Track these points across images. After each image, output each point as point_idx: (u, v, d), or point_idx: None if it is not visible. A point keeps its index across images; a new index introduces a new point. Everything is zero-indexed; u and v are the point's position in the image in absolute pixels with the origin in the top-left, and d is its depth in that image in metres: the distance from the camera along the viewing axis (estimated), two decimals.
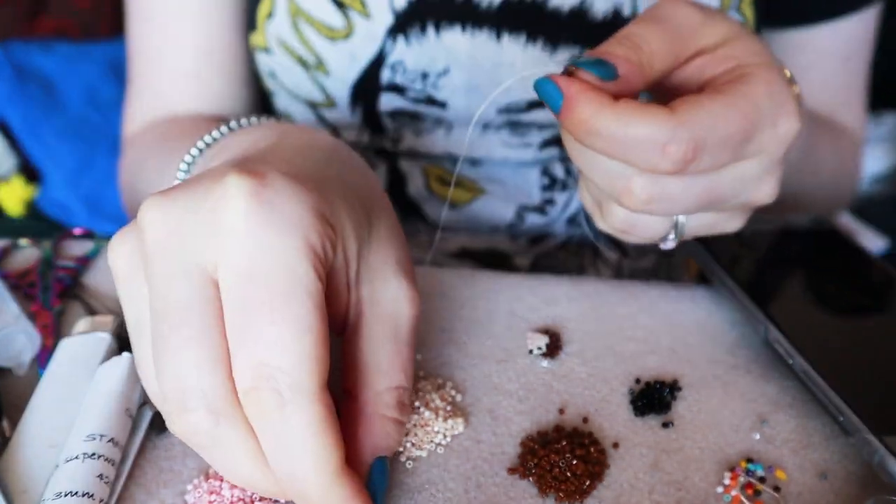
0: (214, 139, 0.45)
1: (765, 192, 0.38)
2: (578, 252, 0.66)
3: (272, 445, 0.31)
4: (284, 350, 0.30)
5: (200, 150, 0.45)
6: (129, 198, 0.65)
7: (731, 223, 0.41)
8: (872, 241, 1.26)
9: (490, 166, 0.62)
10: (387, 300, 0.36)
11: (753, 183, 0.37)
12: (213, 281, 0.31)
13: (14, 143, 1.48)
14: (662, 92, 0.39)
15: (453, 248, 0.65)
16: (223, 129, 0.45)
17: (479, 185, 0.63)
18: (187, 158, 0.45)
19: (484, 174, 0.63)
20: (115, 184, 1.63)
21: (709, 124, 0.34)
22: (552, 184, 0.63)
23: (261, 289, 0.30)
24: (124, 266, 0.33)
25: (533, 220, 0.64)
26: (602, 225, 0.41)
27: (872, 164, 1.44)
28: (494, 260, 0.65)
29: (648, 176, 0.35)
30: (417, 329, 0.38)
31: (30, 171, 1.50)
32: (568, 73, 0.36)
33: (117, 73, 1.57)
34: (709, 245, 0.51)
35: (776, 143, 0.37)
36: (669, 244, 0.41)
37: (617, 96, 0.34)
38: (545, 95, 0.35)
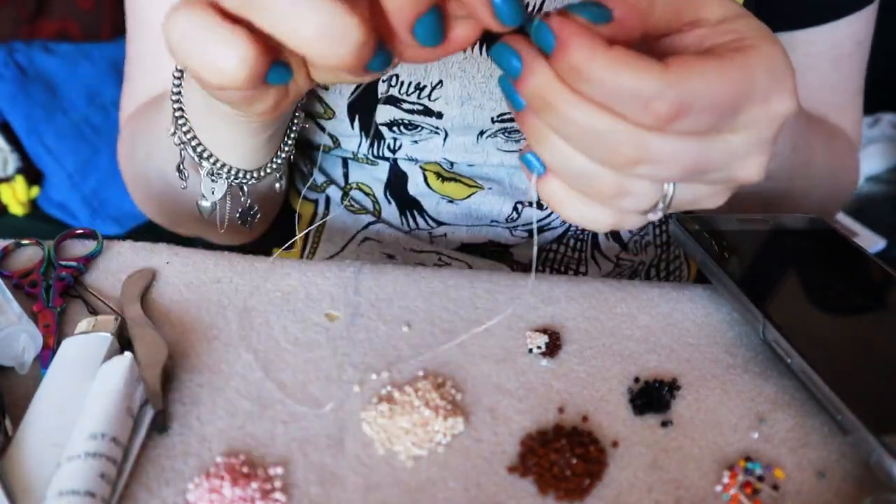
0: None
1: (751, 169, 0.37)
2: (577, 246, 0.67)
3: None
4: None
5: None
6: (129, 168, 0.66)
7: (714, 199, 0.40)
8: (870, 241, 1.26)
9: (486, 168, 0.64)
10: None
11: (740, 158, 0.37)
12: None
13: (16, 143, 1.48)
14: (658, 55, 0.37)
15: (454, 244, 0.66)
16: None
17: (477, 183, 0.64)
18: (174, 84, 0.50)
19: (480, 174, 0.64)
20: (117, 184, 1.63)
21: (699, 87, 0.33)
22: None
23: None
24: None
25: (530, 213, 0.65)
26: (589, 212, 0.38)
27: (870, 164, 1.44)
28: (494, 252, 0.66)
29: (636, 134, 0.34)
30: None
31: (32, 172, 1.50)
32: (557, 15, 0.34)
33: (119, 75, 1.57)
34: (708, 244, 0.51)
35: (767, 121, 0.36)
36: (658, 214, 0.39)
37: (611, 41, 0.33)
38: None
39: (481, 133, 0.61)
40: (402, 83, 0.58)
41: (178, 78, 0.50)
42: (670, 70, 0.33)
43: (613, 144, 0.34)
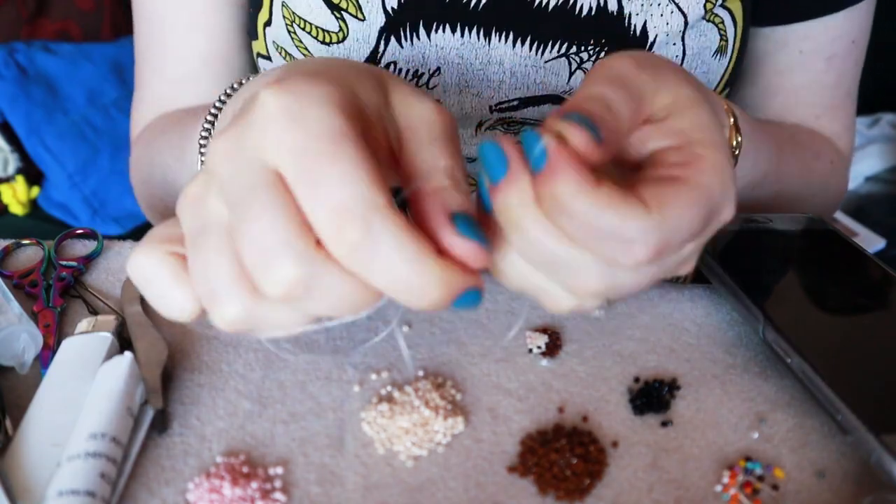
0: (228, 95, 0.46)
1: (688, 267, 0.38)
2: None
3: (371, 267, 0.30)
4: (351, 180, 0.29)
5: (218, 108, 0.46)
6: (143, 191, 0.66)
7: (644, 287, 0.39)
8: (870, 241, 1.26)
9: None
10: (417, 117, 0.35)
11: (684, 261, 0.37)
12: (275, 171, 0.31)
13: (16, 143, 1.48)
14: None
15: None
16: (235, 85, 0.46)
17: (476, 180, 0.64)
18: (209, 117, 0.46)
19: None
20: (117, 184, 1.63)
21: (677, 225, 0.33)
22: None
23: (311, 146, 0.30)
24: (193, 196, 0.33)
25: None
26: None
27: (870, 164, 1.44)
28: None
29: (603, 268, 0.33)
30: (454, 133, 0.36)
31: (32, 172, 1.50)
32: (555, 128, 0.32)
33: (119, 75, 1.58)
34: (708, 244, 0.51)
35: (713, 229, 0.36)
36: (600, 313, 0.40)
37: (597, 174, 0.32)
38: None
39: (480, 125, 0.61)
40: (400, 70, 0.59)
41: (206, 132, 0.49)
42: (653, 212, 0.32)
43: (575, 275, 0.33)
